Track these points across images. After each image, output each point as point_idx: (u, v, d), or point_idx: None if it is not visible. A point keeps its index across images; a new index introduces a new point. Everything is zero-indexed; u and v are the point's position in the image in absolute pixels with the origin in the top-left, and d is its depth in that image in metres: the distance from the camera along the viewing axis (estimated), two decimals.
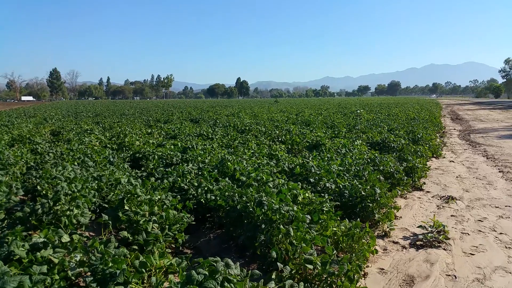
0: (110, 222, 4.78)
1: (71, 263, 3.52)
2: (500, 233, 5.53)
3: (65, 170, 6.58)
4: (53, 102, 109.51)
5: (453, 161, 11.14)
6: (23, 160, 8.32)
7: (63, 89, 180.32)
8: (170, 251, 4.83)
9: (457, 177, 9.10)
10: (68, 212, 4.71)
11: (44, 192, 5.69)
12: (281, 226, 4.24)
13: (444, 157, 11.79)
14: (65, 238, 3.89)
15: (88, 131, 15.85)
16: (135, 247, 4.36)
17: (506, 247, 5.05)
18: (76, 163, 7.84)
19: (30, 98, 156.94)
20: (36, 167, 7.93)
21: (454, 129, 21.32)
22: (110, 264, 3.32)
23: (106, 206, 5.62)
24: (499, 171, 9.58)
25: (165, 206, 5.21)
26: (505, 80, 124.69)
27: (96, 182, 6.22)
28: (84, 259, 3.56)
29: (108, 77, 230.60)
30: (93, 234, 5.20)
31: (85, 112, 36.44)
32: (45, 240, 3.67)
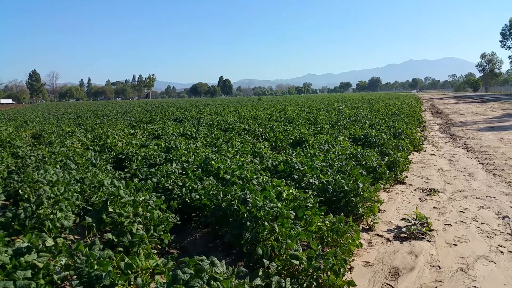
0: (94, 224, 4.73)
1: (56, 267, 3.49)
2: (482, 223, 5.66)
3: (47, 173, 6.48)
4: (34, 105, 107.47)
5: (434, 154, 11.35)
6: (3, 164, 8.15)
7: (43, 91, 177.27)
8: (156, 251, 4.81)
9: (438, 169, 9.27)
10: (51, 215, 4.65)
11: (26, 196, 5.59)
12: (266, 223, 4.27)
13: (425, 151, 12.00)
14: (49, 242, 3.84)
15: (70, 133, 15.62)
16: (121, 249, 4.32)
17: (487, 237, 5.17)
18: (58, 166, 7.73)
19: (10, 101, 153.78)
20: (17, 171, 7.78)
21: (435, 123, 21.69)
22: (96, 267, 3.30)
23: (90, 208, 5.55)
24: (479, 163, 9.80)
25: (149, 207, 5.18)
26: (482, 74, 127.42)
27: (79, 184, 6.15)
28: (70, 262, 3.53)
29: (89, 78, 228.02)
30: (78, 237, 5.14)
31: (66, 114, 35.86)
32: (29, 244, 3.62)
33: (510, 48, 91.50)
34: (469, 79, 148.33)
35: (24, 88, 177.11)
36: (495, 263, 4.41)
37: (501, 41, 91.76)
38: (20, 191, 5.84)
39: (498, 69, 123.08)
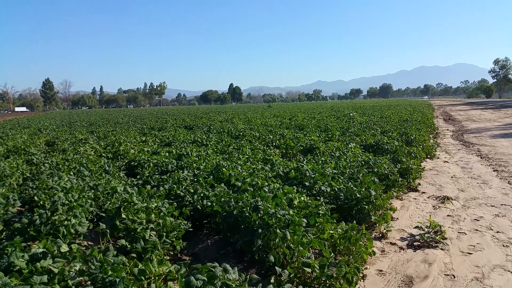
0: (108, 230, 4.78)
1: (71, 272, 3.52)
2: (497, 232, 5.58)
3: (61, 180, 6.57)
4: (47, 112, 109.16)
5: (447, 162, 11.23)
6: (19, 171, 8.29)
7: (56, 99, 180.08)
8: (168, 258, 4.84)
9: (452, 177, 9.17)
10: (66, 222, 4.70)
11: (41, 202, 5.68)
12: (278, 230, 4.27)
13: (438, 158, 11.88)
14: (64, 248, 3.89)
15: (83, 141, 15.82)
16: (134, 255, 4.37)
17: (503, 246, 5.09)
18: (72, 173, 7.83)
19: (24, 109, 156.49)
20: (32, 178, 7.91)
21: (447, 129, 21.48)
22: (110, 273, 3.33)
23: (103, 215, 5.61)
24: (494, 170, 9.67)
25: (162, 214, 5.22)
26: (495, 80, 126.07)
27: (93, 191, 6.22)
28: (84, 268, 3.57)
29: (101, 86, 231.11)
30: (92, 243, 5.19)
31: (79, 121, 36.34)
32: (44, 250, 3.67)
33: None
34: (482, 85, 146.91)
35: (37, 96, 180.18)
36: (511, 272, 4.34)
37: None
38: (35, 197, 5.93)
39: None
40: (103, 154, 11.65)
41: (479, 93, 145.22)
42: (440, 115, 36.04)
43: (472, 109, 46.09)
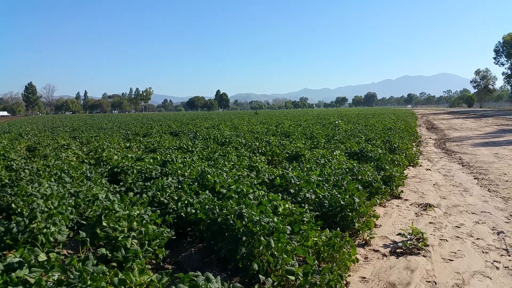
0: (88, 239, 4.68)
1: (49, 282, 3.42)
2: (477, 239, 5.66)
3: (41, 186, 6.43)
4: (29, 117, 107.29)
5: (429, 169, 11.38)
6: None
7: (39, 104, 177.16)
8: (150, 267, 4.76)
9: (434, 184, 9.29)
10: (44, 230, 4.59)
11: (19, 210, 5.53)
12: (262, 238, 4.24)
13: (420, 166, 12.03)
14: (42, 257, 3.79)
15: (65, 146, 15.55)
16: (114, 264, 4.27)
17: (483, 252, 5.17)
18: (52, 179, 7.67)
19: (5, 113, 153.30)
20: (11, 184, 7.71)
21: (430, 138, 21.80)
22: (89, 282, 3.25)
23: (84, 222, 5.50)
24: (474, 178, 9.83)
25: (144, 221, 5.13)
26: (476, 90, 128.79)
27: (73, 198, 6.09)
28: (62, 277, 3.47)
29: (85, 91, 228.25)
30: (71, 252, 5.08)
31: (62, 127, 35.77)
32: (21, 259, 3.56)
33: (503, 64, 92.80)
34: (464, 95, 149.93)
35: (19, 101, 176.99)
36: (490, 278, 4.40)
37: (494, 58, 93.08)
38: (13, 204, 5.77)
39: (492, 85, 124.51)
40: (86, 160, 11.47)
41: (461, 102, 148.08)
42: (423, 123, 36.60)
43: (454, 118, 46.95)
